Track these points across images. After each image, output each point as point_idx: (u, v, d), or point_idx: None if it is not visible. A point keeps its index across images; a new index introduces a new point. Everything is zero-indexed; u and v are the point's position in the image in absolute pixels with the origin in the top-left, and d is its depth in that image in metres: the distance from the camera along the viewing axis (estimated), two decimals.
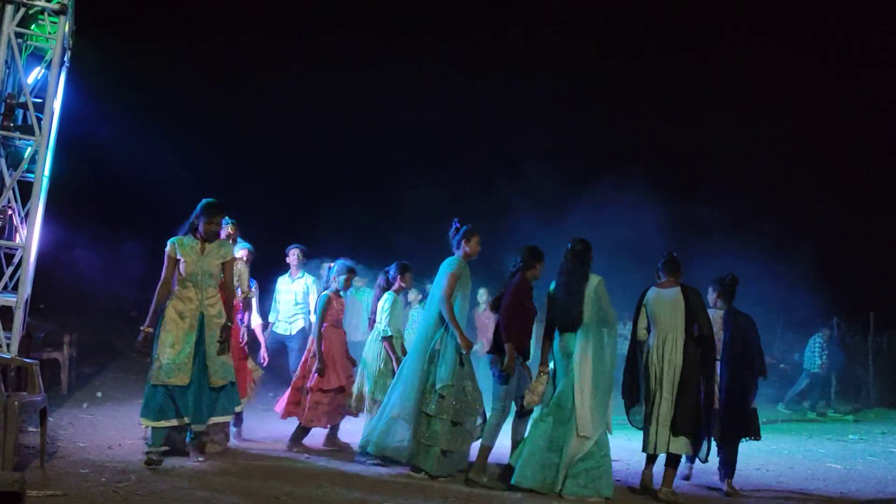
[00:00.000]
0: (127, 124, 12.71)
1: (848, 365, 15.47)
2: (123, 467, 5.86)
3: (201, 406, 6.07)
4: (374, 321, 7.55)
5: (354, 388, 7.44)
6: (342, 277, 7.58)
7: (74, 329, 10.16)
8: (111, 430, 7.56)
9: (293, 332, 9.01)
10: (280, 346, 9.05)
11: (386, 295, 7.50)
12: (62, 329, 9.92)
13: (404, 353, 7.27)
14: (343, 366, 7.50)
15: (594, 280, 6.30)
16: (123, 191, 14.11)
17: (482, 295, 11.22)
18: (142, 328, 6.06)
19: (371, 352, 7.46)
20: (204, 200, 6.22)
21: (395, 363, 7.20)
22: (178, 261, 6.14)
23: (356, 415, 7.49)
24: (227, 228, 7.19)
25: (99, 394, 9.76)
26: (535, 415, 6.35)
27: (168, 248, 6.15)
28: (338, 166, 17.34)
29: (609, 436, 6.20)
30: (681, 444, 6.22)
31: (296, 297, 9.01)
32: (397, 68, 18.20)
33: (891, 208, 19.09)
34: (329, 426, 7.54)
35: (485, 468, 6.30)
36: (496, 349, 6.50)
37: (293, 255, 9.00)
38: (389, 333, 7.32)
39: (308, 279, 9.04)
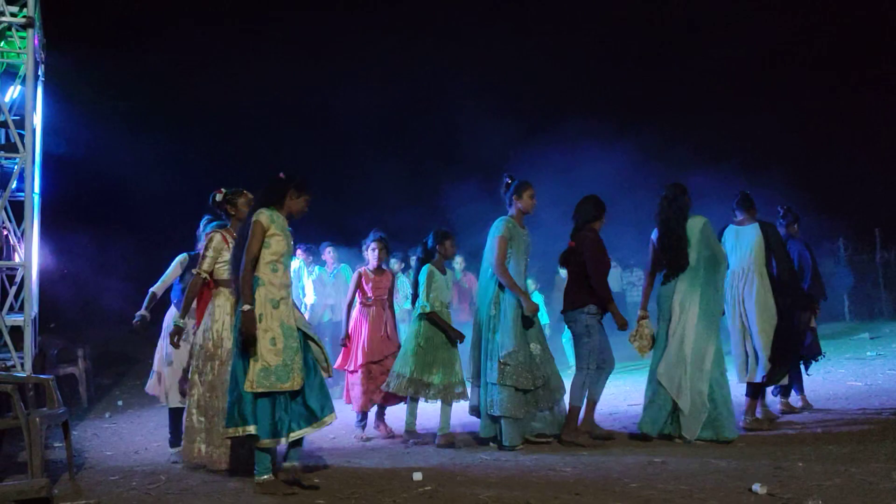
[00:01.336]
0: (111, 131, 12.64)
1: (858, 284, 15.48)
2: (152, 469, 5.90)
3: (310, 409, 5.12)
4: (416, 296, 6.92)
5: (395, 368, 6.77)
6: (375, 252, 7.19)
7: (87, 342, 10.19)
8: (136, 435, 7.60)
9: None
10: None
11: (422, 268, 6.89)
12: (74, 344, 9.95)
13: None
14: (374, 345, 7.04)
15: (698, 222, 6.21)
16: (114, 198, 14.09)
17: (459, 263, 10.88)
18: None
19: (410, 330, 6.96)
20: (287, 175, 5.30)
21: (448, 336, 6.72)
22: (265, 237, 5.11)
23: (402, 399, 6.95)
24: None
25: (120, 402, 9.81)
26: (653, 364, 6.29)
27: (263, 218, 5.08)
28: (299, 149, 17.15)
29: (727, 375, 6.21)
30: (778, 374, 6.44)
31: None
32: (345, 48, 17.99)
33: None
34: (378, 407, 7.16)
35: (577, 428, 6.21)
36: (571, 306, 6.34)
37: None
38: (429, 309, 6.69)
39: (295, 262, 8.93)
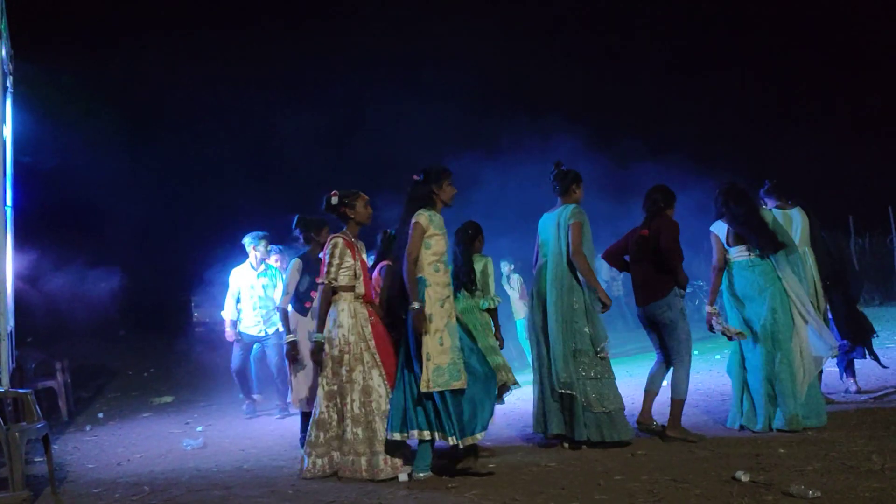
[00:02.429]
0: (84, 141, 12.52)
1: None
2: (135, 480, 5.85)
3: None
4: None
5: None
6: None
7: (65, 356, 10.07)
8: (118, 447, 7.53)
9: (269, 332, 8.70)
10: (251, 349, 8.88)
11: (486, 259, 6.38)
12: (53, 357, 9.84)
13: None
14: None
15: (768, 215, 6.30)
16: (90, 209, 13.96)
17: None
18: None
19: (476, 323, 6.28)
20: (420, 173, 5.34)
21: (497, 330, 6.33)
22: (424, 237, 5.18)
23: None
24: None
25: (100, 415, 9.71)
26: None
27: (422, 220, 5.16)
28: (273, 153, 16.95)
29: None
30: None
31: (265, 291, 8.68)
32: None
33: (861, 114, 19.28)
34: None
35: (680, 424, 5.91)
36: (661, 295, 5.99)
37: (261, 246, 8.64)
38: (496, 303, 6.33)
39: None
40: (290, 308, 6.51)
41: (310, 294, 6.36)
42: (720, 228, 6.25)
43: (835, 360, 6.89)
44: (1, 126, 7.12)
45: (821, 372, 6.39)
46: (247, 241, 8.66)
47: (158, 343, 12.60)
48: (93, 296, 12.10)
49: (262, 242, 8.64)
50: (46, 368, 9.68)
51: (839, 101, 20.47)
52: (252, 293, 8.64)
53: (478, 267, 6.25)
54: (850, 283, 7.18)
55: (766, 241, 6.04)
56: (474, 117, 16.35)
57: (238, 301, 8.67)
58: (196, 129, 15.98)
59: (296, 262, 6.51)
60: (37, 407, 5.86)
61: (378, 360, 5.41)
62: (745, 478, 4.48)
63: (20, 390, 6.14)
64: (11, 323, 7.24)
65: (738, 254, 6.16)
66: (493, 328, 6.27)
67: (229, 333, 8.75)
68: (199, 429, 8.09)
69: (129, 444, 7.64)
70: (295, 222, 6.65)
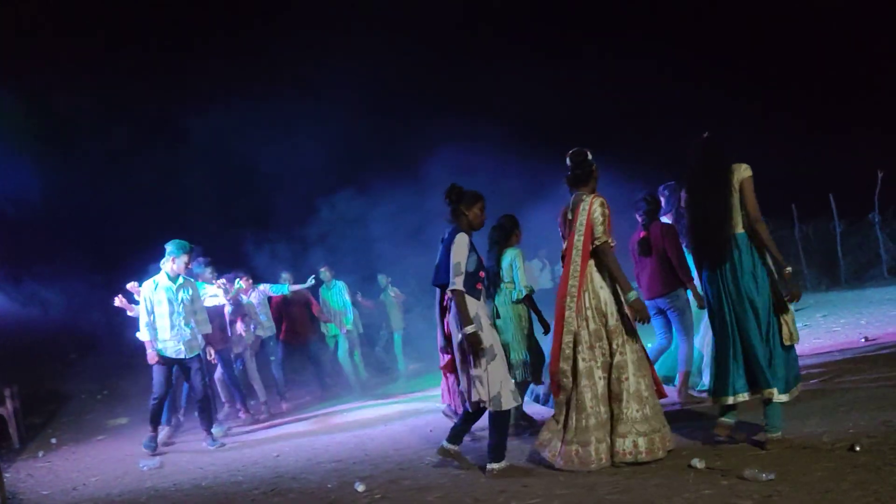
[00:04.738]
0: (26, 161, 12.23)
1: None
2: None
3: None
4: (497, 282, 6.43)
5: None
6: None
7: (14, 382, 9.83)
8: (72, 472, 7.38)
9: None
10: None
11: (509, 251, 6.44)
12: (1, 384, 9.59)
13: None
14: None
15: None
16: (34, 226, 13.63)
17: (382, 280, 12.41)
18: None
19: (509, 314, 6.44)
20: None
21: (542, 321, 6.48)
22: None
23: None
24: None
25: (53, 440, 9.51)
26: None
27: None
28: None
29: None
30: None
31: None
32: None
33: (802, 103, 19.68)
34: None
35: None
36: (672, 287, 6.64)
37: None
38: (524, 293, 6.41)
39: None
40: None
41: (479, 274, 5.36)
42: None
43: None
44: None
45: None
46: (171, 248, 7.74)
47: (111, 364, 12.35)
48: (41, 319, 11.84)
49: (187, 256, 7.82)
50: None
51: (782, 92, 20.86)
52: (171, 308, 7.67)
53: (506, 260, 6.45)
54: None
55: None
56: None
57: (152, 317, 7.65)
58: (136, 139, 15.67)
59: (465, 237, 5.25)
60: None
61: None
62: (700, 465, 4.56)
63: None
64: None
65: None
66: (532, 319, 6.51)
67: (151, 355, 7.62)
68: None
69: (85, 468, 7.49)
70: (448, 191, 5.45)
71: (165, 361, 7.59)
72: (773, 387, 4.80)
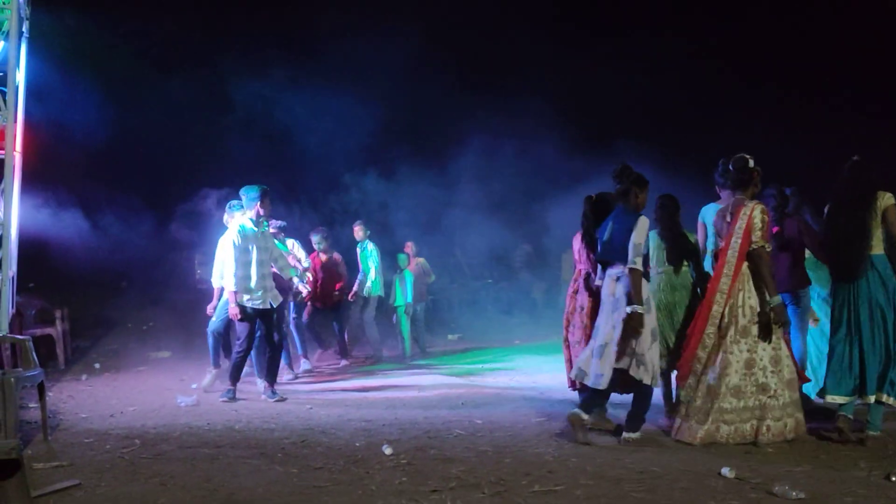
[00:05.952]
0: (97, 91, 12.44)
1: None
2: (126, 433, 5.90)
3: None
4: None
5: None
6: None
7: (66, 304, 10.12)
8: (112, 399, 7.59)
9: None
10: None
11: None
12: (53, 305, 9.89)
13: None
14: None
15: None
16: (100, 159, 13.91)
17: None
18: None
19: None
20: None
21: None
22: None
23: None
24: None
25: (97, 365, 9.77)
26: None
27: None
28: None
29: None
30: None
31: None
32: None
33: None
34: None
35: None
36: (804, 283, 6.42)
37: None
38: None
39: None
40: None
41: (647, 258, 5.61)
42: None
43: None
44: (15, 71, 7.09)
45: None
46: (253, 193, 7.52)
47: (160, 298, 12.61)
48: (98, 246, 12.13)
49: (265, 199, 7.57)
50: (46, 316, 9.75)
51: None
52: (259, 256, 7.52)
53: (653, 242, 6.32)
54: None
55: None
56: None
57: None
58: (216, 72, 15.76)
59: (647, 221, 5.52)
60: (34, 354, 5.90)
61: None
62: (730, 474, 4.50)
63: (18, 336, 6.19)
64: (14, 268, 7.26)
65: None
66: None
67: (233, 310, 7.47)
68: (194, 386, 8.12)
69: (124, 397, 7.69)
70: (621, 170, 5.68)
71: (247, 317, 7.43)
72: (885, 392, 5.32)
